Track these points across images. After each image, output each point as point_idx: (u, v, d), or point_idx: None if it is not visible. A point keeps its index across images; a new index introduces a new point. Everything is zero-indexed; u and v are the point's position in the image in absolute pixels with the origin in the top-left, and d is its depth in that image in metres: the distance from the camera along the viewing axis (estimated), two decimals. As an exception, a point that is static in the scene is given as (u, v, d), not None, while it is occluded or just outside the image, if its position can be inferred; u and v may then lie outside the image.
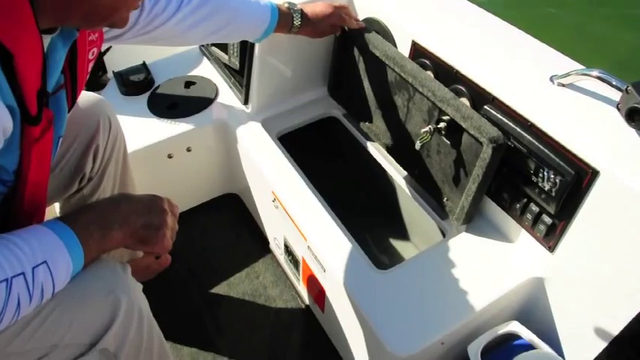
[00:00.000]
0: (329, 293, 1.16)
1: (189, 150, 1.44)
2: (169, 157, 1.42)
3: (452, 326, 0.98)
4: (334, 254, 1.09)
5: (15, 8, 0.57)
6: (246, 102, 1.43)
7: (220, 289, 1.41)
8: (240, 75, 1.44)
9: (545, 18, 3.47)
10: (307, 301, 1.34)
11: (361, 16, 1.33)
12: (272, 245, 1.45)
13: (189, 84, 1.53)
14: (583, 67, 1.02)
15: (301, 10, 1.17)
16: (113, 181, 1.16)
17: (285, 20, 1.15)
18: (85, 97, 1.05)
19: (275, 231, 1.38)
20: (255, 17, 1.12)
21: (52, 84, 0.71)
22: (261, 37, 1.16)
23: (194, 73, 1.59)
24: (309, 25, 1.18)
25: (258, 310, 1.36)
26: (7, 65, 0.57)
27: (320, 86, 1.47)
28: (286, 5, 1.17)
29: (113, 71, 1.62)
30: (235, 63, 1.46)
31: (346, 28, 1.26)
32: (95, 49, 0.83)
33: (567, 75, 0.99)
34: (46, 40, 0.66)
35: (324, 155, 1.52)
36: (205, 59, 1.64)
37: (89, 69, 0.84)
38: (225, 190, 1.62)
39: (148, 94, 1.51)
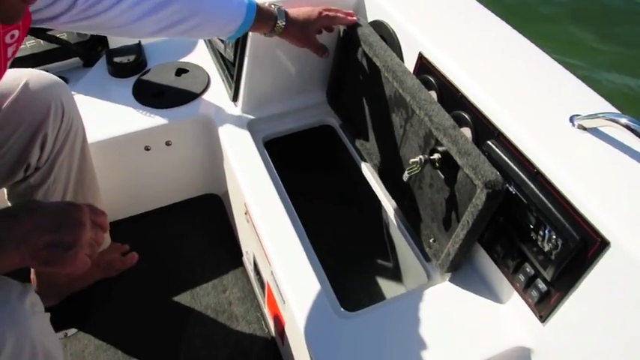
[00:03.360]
0: (287, 327, 1.03)
1: (168, 144, 1.32)
2: (146, 149, 1.31)
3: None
4: (296, 287, 0.96)
5: None
6: (234, 99, 1.31)
7: (183, 298, 1.30)
8: (234, 68, 1.31)
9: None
10: (271, 327, 1.22)
11: (370, 18, 1.18)
12: (244, 258, 1.33)
13: (180, 71, 1.42)
14: (615, 110, 0.84)
15: (285, 11, 1.03)
16: (67, 173, 1.05)
17: (265, 19, 1.02)
18: (38, 78, 0.94)
19: (247, 245, 1.26)
20: (225, 12, 0.99)
21: None
22: (234, 34, 1.02)
23: (190, 59, 1.47)
24: (295, 27, 1.04)
25: (218, 329, 1.24)
26: None
27: (318, 90, 1.32)
28: (268, 4, 1.03)
29: (106, 48, 1.52)
30: (230, 54, 1.32)
31: (341, 28, 1.12)
32: (17, 32, 0.71)
33: (592, 117, 0.82)
34: None
35: (312, 168, 1.38)
36: (205, 46, 1.52)
37: (9, 54, 0.73)
38: (205, 190, 1.50)
39: (135, 77, 1.40)
